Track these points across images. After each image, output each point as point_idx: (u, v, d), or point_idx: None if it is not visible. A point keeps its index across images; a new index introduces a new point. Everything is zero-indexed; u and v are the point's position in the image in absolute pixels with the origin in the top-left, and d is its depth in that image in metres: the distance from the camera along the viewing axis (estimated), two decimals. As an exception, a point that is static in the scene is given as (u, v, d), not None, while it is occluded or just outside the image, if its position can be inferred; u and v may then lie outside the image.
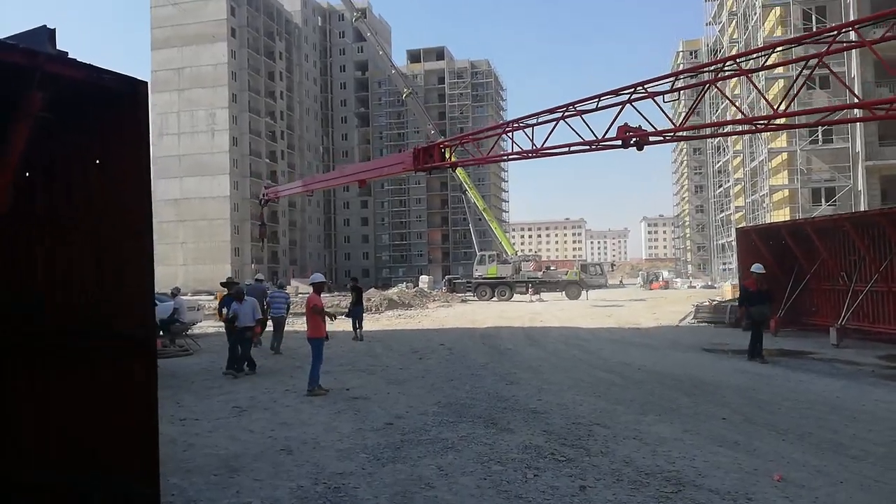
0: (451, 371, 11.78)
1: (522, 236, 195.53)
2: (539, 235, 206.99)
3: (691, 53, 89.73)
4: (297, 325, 20.28)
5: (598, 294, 45.42)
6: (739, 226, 37.26)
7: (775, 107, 11.07)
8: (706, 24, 64.50)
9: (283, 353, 14.69)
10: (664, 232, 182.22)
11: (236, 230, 74.50)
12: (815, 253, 17.48)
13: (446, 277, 52.85)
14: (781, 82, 36.61)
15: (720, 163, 66.37)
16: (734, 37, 51.40)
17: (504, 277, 43.81)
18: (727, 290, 36.96)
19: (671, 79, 10.00)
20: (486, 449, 6.47)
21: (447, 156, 16.92)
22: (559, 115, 11.72)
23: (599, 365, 12.67)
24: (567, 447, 6.50)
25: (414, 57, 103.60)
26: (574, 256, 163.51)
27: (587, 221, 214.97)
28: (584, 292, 42.98)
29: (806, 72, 10.24)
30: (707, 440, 6.72)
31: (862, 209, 30.77)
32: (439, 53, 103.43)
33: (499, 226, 51.61)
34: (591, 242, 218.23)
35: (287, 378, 11.29)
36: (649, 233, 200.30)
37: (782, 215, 36.91)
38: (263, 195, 29.70)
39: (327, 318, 10.27)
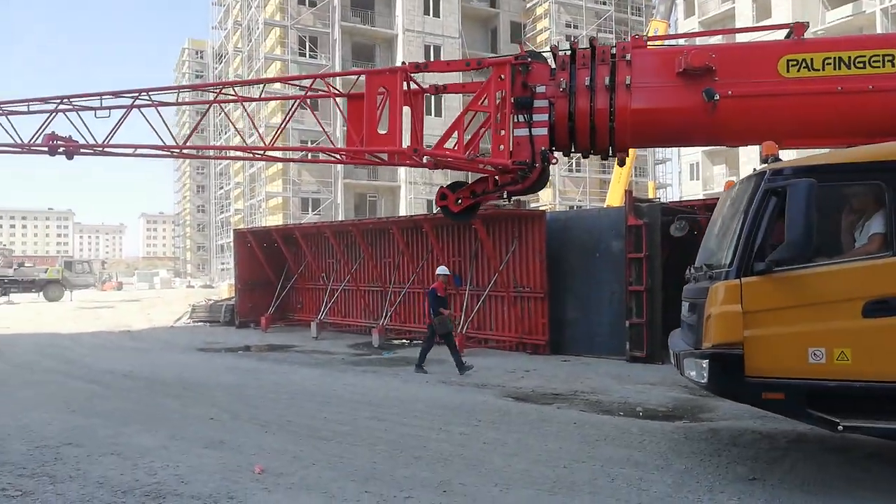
0: None
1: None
2: (13, 226, 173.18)
3: (198, 53, 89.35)
4: None
5: (87, 295, 40.74)
6: (238, 227, 38.68)
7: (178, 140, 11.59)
8: (212, 28, 65.21)
9: None
10: (164, 230, 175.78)
11: None
12: (302, 255, 19.36)
13: None
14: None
15: (222, 165, 67.69)
16: (238, 45, 53.26)
17: (-44, 275, 35.21)
18: (225, 289, 37.86)
19: (98, 97, 9.97)
20: None
21: None
22: None
23: (80, 374, 11.23)
24: (25, 478, 5.43)
25: None
26: (58, 252, 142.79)
27: (76, 213, 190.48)
28: (67, 293, 37.96)
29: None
30: (193, 444, 6.55)
31: (340, 219, 35.73)
32: None
33: (-50, 211, 41.22)
34: (81, 237, 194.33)
35: None
36: (148, 230, 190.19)
37: (277, 220, 39.85)
38: None
39: None
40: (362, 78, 8.71)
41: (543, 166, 7.79)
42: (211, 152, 45.87)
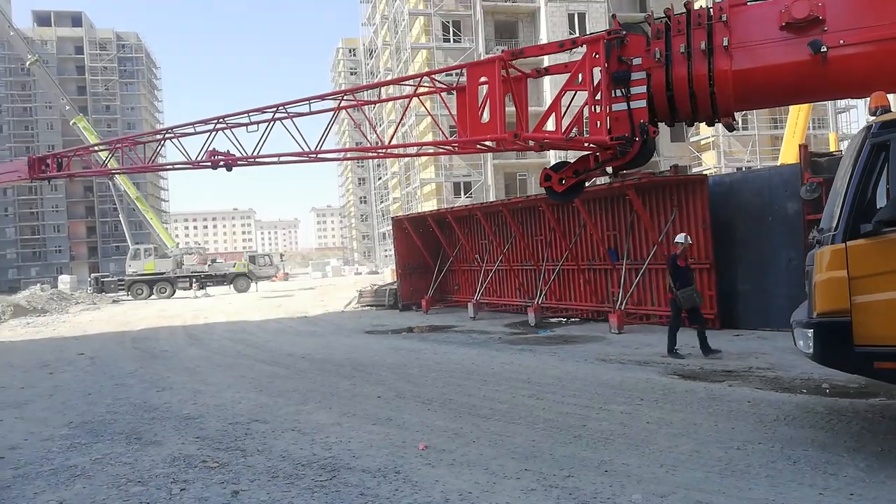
0: (89, 384, 10.22)
1: (186, 227, 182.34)
2: (205, 227, 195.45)
3: (350, 51, 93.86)
4: None
5: (269, 285, 44.83)
6: (395, 215, 40.37)
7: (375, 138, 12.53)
8: (362, 25, 68.12)
9: None
10: (332, 221, 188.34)
11: None
12: (456, 238, 19.77)
13: (93, 276, 46.36)
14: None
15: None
16: (386, 39, 55.18)
17: (164, 273, 40.27)
18: (388, 274, 39.87)
19: (247, 114, 11.33)
20: (126, 469, 5.69)
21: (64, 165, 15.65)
22: (161, 136, 13.04)
23: (264, 358, 12.37)
24: (221, 451, 6.09)
25: (43, 20, 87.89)
26: (244, 248, 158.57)
27: (256, 211, 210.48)
28: (253, 284, 42.02)
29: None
30: (363, 420, 6.97)
31: (490, 200, 35.98)
32: (76, 19, 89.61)
33: (156, 216, 47.20)
34: (262, 233, 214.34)
35: None
36: (319, 223, 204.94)
37: (431, 205, 41.02)
38: None
39: None
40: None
41: (644, 139, 7.67)
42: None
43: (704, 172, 30.99)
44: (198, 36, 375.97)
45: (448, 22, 40.90)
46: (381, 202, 72.79)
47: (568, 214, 15.63)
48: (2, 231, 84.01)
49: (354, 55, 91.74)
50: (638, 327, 13.33)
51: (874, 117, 4.87)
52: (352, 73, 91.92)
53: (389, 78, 54.92)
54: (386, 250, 70.50)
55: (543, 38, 38.54)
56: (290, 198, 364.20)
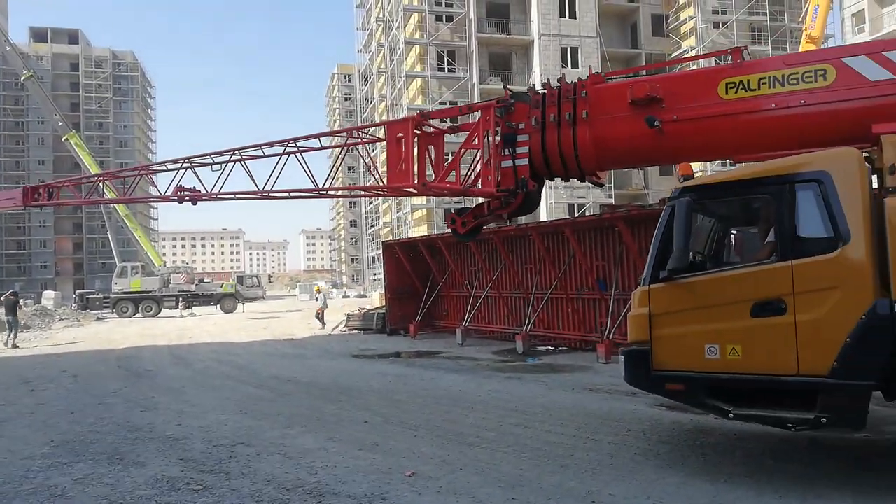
0: (72, 402, 10.08)
1: (174, 246, 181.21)
2: (193, 246, 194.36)
3: (346, 77, 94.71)
4: None
5: (256, 306, 44.53)
6: (386, 240, 40.39)
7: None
8: (358, 52, 68.84)
9: None
10: (322, 244, 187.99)
11: None
12: (446, 264, 19.80)
13: (77, 292, 45.85)
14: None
15: (371, 182, 71.05)
16: (382, 66, 55.79)
17: (150, 291, 39.90)
18: (377, 298, 39.69)
19: (209, 155, 12.25)
20: (108, 490, 5.60)
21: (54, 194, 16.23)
22: (137, 173, 14.45)
23: (250, 380, 12.26)
24: (205, 474, 6.02)
25: (39, 36, 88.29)
26: (232, 268, 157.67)
27: (245, 232, 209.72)
28: (240, 305, 41.71)
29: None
30: (349, 446, 6.92)
31: (483, 227, 36.05)
32: (72, 36, 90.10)
33: (144, 234, 46.94)
34: (250, 254, 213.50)
35: None
36: (308, 245, 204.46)
37: (422, 231, 41.13)
38: None
39: None
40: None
41: (525, 192, 8.85)
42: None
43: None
44: (198, 58, 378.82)
45: (443, 52, 41.44)
46: (372, 226, 72.85)
47: (558, 244, 15.74)
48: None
49: (350, 81, 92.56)
50: (625, 358, 13.35)
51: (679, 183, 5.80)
52: (346, 99, 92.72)
53: (383, 104, 55.46)
54: (374, 274, 70.32)
55: (536, 71, 39.12)
56: (280, 219, 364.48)
